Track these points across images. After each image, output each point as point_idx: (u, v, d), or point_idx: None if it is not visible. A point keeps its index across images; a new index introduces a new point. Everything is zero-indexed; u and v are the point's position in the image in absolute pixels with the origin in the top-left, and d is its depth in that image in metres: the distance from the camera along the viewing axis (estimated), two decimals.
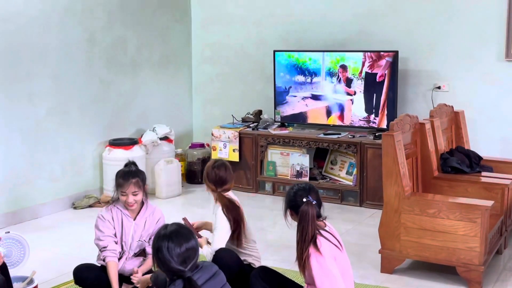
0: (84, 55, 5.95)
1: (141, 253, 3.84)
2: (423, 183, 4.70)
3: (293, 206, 3.23)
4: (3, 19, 5.18)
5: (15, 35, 5.29)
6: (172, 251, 2.68)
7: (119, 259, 3.71)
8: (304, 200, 3.18)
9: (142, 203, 3.79)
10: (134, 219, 3.75)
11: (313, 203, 3.17)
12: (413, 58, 6.03)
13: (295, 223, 3.30)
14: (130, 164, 3.81)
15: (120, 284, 3.67)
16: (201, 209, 5.69)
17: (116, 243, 3.70)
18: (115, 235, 3.70)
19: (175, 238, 2.71)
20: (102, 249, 3.67)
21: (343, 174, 6.12)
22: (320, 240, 3.12)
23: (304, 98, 6.34)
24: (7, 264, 3.70)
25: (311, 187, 3.28)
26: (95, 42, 6.05)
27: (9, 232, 3.89)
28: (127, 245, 3.73)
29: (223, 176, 3.84)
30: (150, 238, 3.75)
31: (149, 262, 3.74)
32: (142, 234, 3.77)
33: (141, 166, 5.94)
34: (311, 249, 3.11)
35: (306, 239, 3.12)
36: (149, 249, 3.76)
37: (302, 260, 3.13)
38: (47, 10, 5.53)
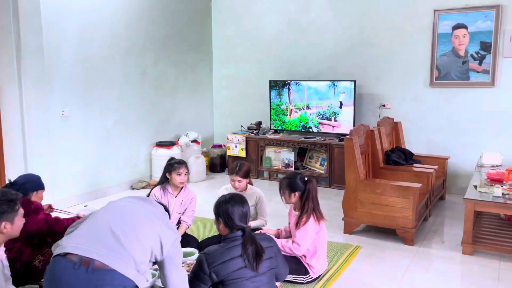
0: (139, 83, 5.95)
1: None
2: (373, 172, 4.71)
3: (295, 188, 3.12)
4: (83, 60, 5.19)
5: (91, 70, 5.30)
6: (236, 210, 2.46)
7: None
8: (306, 179, 3.12)
9: (182, 187, 3.66)
10: (176, 197, 3.64)
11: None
12: (366, 85, 6.02)
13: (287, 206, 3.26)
14: (174, 158, 3.67)
15: None
16: (218, 189, 5.67)
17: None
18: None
19: (237, 201, 2.51)
20: None
21: (318, 166, 6.12)
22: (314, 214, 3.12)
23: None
24: None
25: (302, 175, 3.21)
26: (146, 74, 6.06)
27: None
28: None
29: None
30: (183, 213, 3.65)
31: (181, 230, 3.61)
32: (180, 208, 3.66)
33: None
34: (306, 217, 3.07)
35: (309, 209, 3.09)
36: (185, 218, 3.66)
37: (300, 223, 3.07)
38: (113, 53, 5.54)
